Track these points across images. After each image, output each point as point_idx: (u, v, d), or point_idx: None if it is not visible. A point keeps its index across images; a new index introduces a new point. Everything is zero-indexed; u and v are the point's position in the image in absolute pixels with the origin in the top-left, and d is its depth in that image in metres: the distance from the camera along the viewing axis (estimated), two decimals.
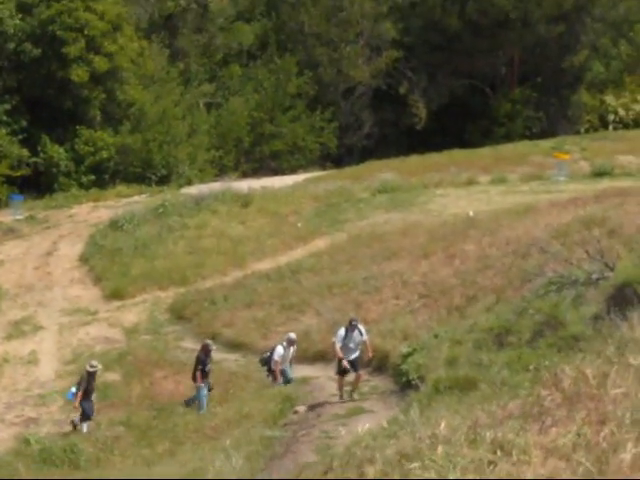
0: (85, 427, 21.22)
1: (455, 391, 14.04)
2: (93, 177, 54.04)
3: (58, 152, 53.52)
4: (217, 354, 26.06)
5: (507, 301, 21.17)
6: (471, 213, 34.28)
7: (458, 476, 5.71)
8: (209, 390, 21.74)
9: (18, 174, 52.21)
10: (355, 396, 19.36)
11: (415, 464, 5.95)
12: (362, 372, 19.69)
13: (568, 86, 70.72)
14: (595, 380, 7.07)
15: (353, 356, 19.18)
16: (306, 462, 12.70)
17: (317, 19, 66.97)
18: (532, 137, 62.80)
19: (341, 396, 19.43)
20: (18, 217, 46.59)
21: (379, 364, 21.44)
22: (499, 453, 6.03)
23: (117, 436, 20.52)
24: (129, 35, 57.74)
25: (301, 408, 19.19)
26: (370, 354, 19.83)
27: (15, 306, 33.06)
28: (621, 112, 70.32)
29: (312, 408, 19.13)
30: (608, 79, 72.76)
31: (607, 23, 70.85)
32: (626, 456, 5.57)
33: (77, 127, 54.33)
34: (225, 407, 20.98)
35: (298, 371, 22.90)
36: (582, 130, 69.20)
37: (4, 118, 52.42)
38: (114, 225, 41.39)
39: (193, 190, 48.78)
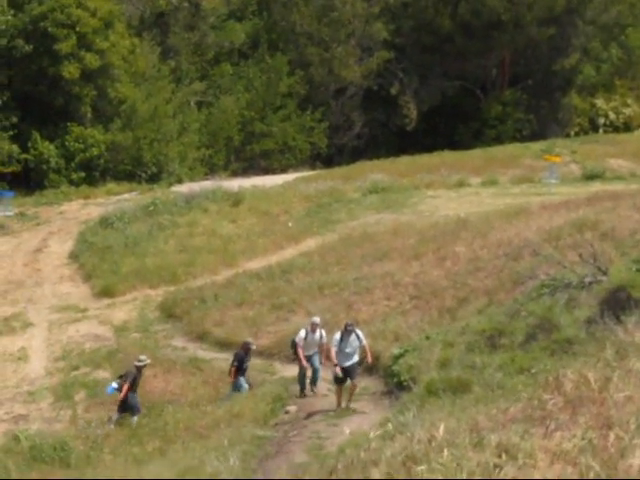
0: (135, 420, 21.17)
1: (448, 393, 13.92)
2: (83, 174, 54.01)
3: (48, 149, 53.46)
4: (207, 353, 26.13)
5: (499, 303, 21.12)
6: (462, 214, 34.30)
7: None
8: (250, 387, 21.64)
9: (8, 170, 52.11)
10: (351, 406, 18.34)
11: (422, 467, 5.92)
12: (357, 381, 18.51)
13: (559, 89, 70.89)
14: (597, 384, 7.06)
15: (349, 362, 18.20)
16: (300, 462, 12.67)
17: (309, 19, 67.00)
18: (522, 139, 63.00)
19: (339, 404, 18.43)
20: (8, 214, 46.47)
21: (370, 365, 21.35)
22: (504, 457, 6.00)
23: (107, 434, 20.49)
24: (121, 32, 57.76)
25: (292, 408, 19.08)
26: (370, 360, 18.87)
27: (5, 302, 32.96)
28: (611, 115, 70.53)
29: (303, 408, 19.05)
30: (599, 82, 72.89)
31: (598, 26, 70.93)
32: (635, 462, 5.54)
33: (68, 124, 54.31)
34: (215, 406, 20.92)
35: (288, 371, 22.74)
36: (572, 133, 69.40)
37: None
38: (104, 222, 41.35)
39: (184, 188, 48.76)
